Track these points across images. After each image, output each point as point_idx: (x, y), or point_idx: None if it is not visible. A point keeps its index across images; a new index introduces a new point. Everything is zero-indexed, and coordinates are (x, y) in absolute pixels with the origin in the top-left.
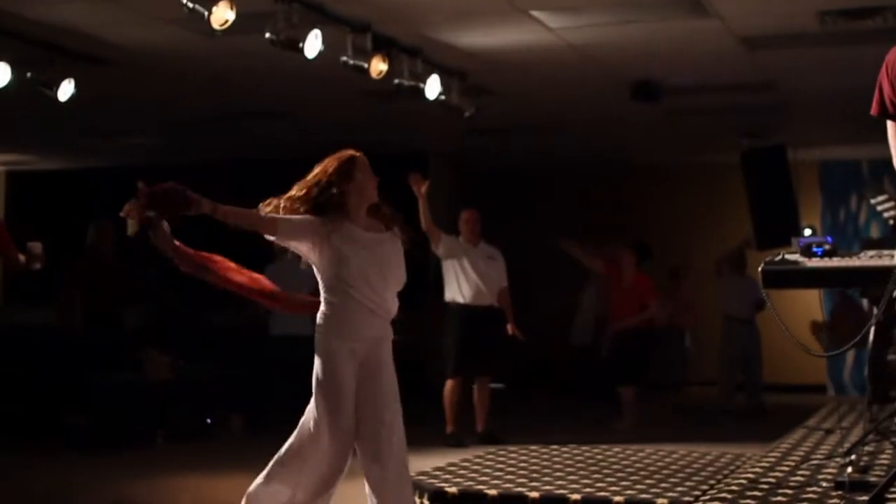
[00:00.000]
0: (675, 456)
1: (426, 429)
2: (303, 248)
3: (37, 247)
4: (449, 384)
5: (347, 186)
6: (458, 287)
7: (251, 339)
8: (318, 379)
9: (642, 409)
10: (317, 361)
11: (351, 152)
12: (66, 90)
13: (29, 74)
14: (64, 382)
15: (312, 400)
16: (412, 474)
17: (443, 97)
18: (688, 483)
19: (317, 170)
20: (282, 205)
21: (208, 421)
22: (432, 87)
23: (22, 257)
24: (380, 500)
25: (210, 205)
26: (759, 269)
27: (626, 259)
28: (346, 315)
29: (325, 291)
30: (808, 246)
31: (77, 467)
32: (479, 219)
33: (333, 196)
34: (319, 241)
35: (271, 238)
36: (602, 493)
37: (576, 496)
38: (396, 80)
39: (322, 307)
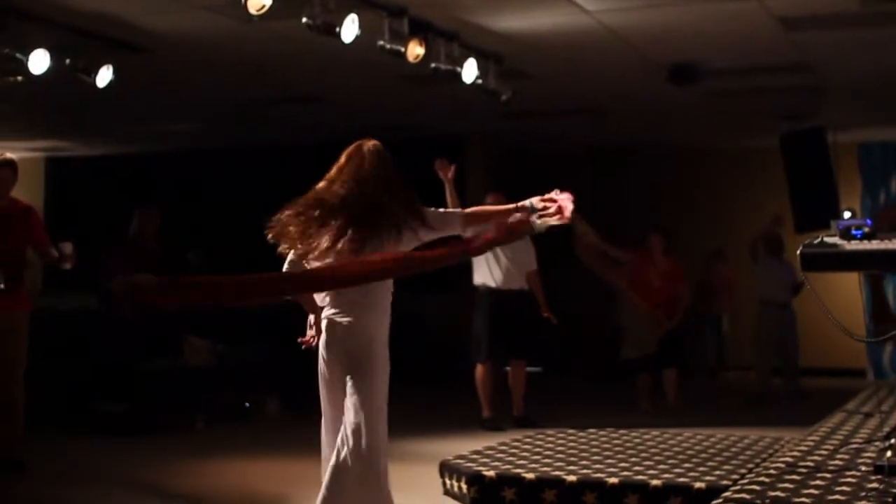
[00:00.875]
0: (712, 440)
1: (463, 413)
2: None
3: (67, 247)
4: (479, 369)
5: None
6: (489, 271)
7: (289, 323)
8: (385, 369)
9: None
10: (384, 353)
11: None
12: (104, 77)
13: (67, 61)
14: (104, 368)
15: (361, 397)
16: (450, 457)
17: (480, 81)
18: (726, 467)
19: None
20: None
21: (246, 405)
22: (469, 71)
23: (55, 254)
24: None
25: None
26: (798, 252)
27: (657, 243)
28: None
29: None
30: (848, 229)
31: (117, 451)
32: (504, 202)
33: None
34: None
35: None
36: (639, 477)
37: (613, 480)
38: (433, 65)
39: (384, 303)
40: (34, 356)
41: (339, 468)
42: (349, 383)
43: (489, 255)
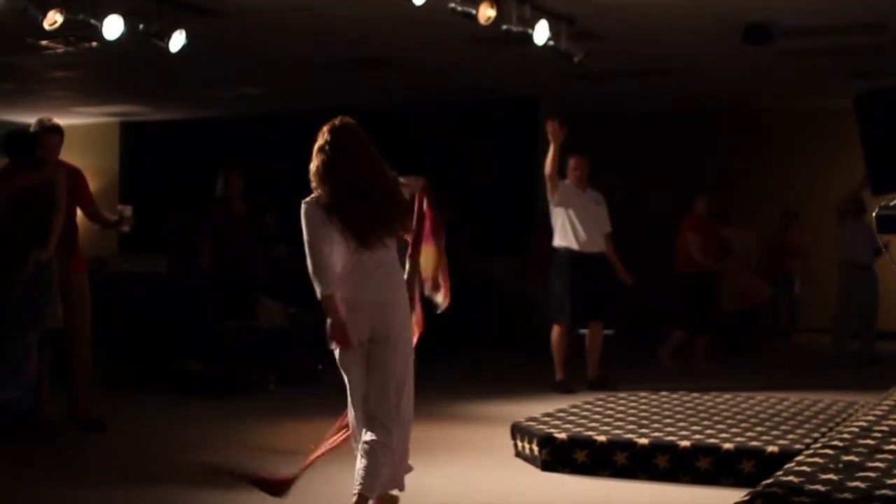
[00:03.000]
0: (786, 403)
1: (534, 375)
2: None
3: (127, 209)
4: (556, 330)
5: None
6: (573, 233)
7: None
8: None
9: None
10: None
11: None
12: (177, 41)
13: (141, 26)
14: (181, 329)
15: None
16: (522, 420)
17: (551, 43)
18: (799, 430)
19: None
20: None
21: (319, 367)
22: (541, 33)
23: (113, 218)
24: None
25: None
26: (874, 214)
27: (704, 206)
28: None
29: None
30: None
31: (191, 412)
32: (587, 165)
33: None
34: None
35: None
36: (712, 440)
37: (685, 443)
38: (505, 26)
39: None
40: (112, 318)
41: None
42: (385, 353)
43: (573, 217)
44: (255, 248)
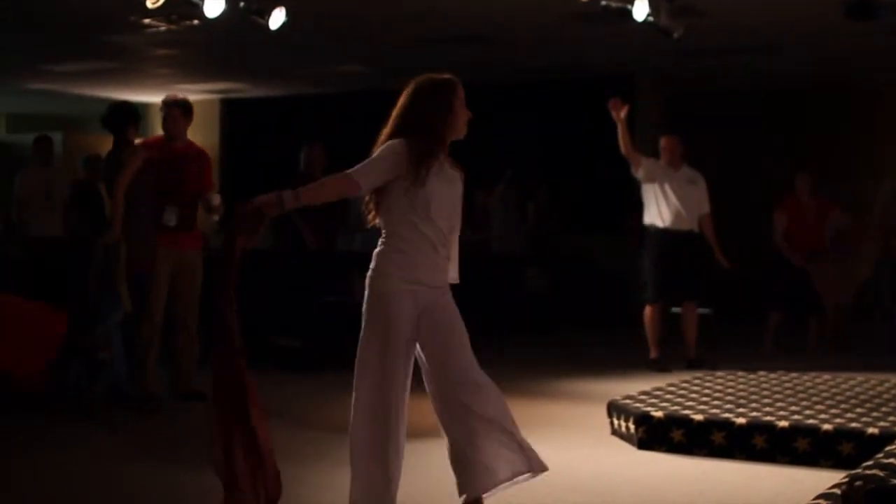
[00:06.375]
0: (887, 384)
1: (631, 353)
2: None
3: (215, 198)
4: (648, 310)
5: (445, 115)
6: (658, 211)
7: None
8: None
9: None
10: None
11: (449, 77)
12: (277, 18)
13: (241, 4)
14: (277, 305)
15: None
16: (618, 398)
17: (651, 18)
18: None
19: (408, 93)
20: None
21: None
22: (640, 9)
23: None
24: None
25: (292, 198)
26: None
27: (804, 184)
28: (416, 256)
29: (395, 226)
30: None
31: (289, 387)
32: (678, 144)
33: (434, 123)
34: (405, 169)
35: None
36: (811, 421)
37: (783, 423)
38: (604, 2)
39: (385, 246)
40: (212, 294)
41: None
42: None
43: (659, 194)
44: (336, 222)
